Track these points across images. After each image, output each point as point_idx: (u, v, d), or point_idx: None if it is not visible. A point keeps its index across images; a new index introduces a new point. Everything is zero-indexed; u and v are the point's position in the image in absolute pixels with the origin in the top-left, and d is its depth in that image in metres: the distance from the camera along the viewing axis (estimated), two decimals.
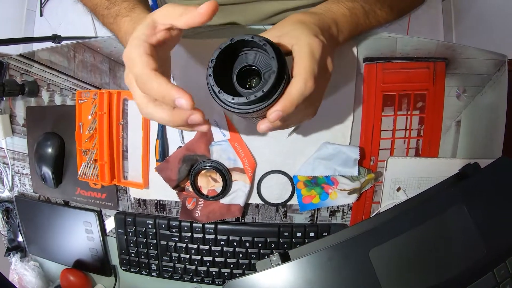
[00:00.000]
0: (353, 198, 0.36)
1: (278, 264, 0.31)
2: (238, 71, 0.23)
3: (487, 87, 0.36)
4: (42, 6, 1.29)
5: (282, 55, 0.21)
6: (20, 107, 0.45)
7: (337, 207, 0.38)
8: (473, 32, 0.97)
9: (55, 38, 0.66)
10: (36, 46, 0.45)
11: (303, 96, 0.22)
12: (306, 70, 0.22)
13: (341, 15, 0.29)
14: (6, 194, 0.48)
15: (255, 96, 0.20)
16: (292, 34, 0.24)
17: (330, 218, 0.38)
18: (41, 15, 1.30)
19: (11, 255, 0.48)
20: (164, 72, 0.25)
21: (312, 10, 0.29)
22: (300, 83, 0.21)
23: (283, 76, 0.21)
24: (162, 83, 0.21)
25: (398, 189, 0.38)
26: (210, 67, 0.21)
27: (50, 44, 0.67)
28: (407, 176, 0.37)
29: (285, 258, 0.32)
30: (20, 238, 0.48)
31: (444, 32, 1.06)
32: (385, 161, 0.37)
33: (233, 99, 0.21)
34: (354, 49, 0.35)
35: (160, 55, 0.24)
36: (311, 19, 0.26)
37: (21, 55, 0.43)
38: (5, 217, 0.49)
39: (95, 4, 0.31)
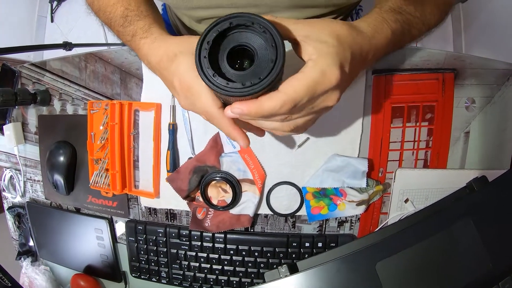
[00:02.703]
0: (361, 209, 0.37)
1: (286, 276, 0.31)
2: (229, 50, 0.21)
3: (496, 97, 0.36)
4: (53, 12, 1.30)
5: (283, 46, 0.19)
6: (32, 115, 0.45)
7: (345, 218, 0.38)
8: (482, 38, 0.96)
9: (66, 45, 0.67)
10: (47, 53, 0.46)
11: (271, 115, 0.21)
12: (293, 94, 0.20)
13: (385, 39, 0.25)
14: (18, 199, 0.49)
15: (251, 82, 0.19)
16: (317, 46, 0.21)
17: (338, 229, 0.38)
18: (52, 21, 1.31)
19: (22, 259, 0.49)
20: None
21: (361, 26, 0.24)
22: (276, 101, 0.20)
23: (280, 68, 0.19)
24: (226, 123, 0.24)
25: (406, 201, 0.38)
26: (206, 49, 0.20)
27: (61, 51, 0.67)
28: (415, 187, 0.37)
29: (293, 270, 0.32)
30: (31, 243, 0.49)
31: (453, 39, 1.05)
32: (394, 173, 0.37)
33: (227, 83, 0.19)
34: None
35: None
36: (351, 39, 0.22)
37: (33, 64, 0.44)
38: (16, 222, 0.50)
39: (110, 18, 0.31)
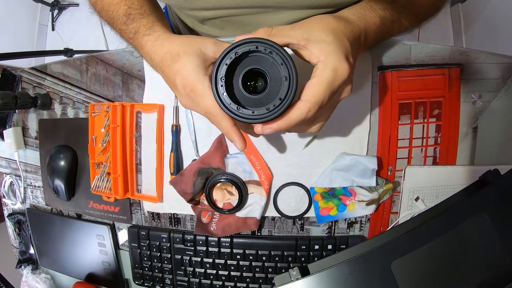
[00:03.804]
0: (371, 209, 0.36)
1: (297, 279, 0.30)
2: (242, 75, 0.22)
3: (502, 91, 0.36)
4: (54, 20, 1.32)
5: (292, 61, 0.21)
6: (32, 119, 0.45)
7: (355, 218, 0.37)
8: (482, 37, 0.96)
9: (67, 52, 0.67)
10: (48, 60, 0.45)
11: (302, 122, 0.22)
12: (315, 99, 0.22)
13: (373, 24, 0.27)
14: (18, 206, 0.48)
15: (274, 105, 0.21)
16: (322, 47, 0.22)
17: (348, 230, 0.37)
18: (53, 29, 1.33)
19: (23, 267, 0.48)
20: None
21: (345, 15, 0.26)
22: (302, 110, 0.22)
23: (295, 82, 0.21)
24: (227, 124, 0.24)
25: (417, 199, 0.37)
26: (222, 86, 0.21)
27: (62, 57, 0.68)
28: (425, 185, 0.36)
29: (304, 272, 0.31)
30: (31, 250, 0.48)
31: (454, 38, 1.06)
32: (403, 171, 0.36)
33: (253, 112, 0.21)
34: (369, 58, 0.35)
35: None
36: (343, 29, 0.24)
37: (33, 68, 0.43)
38: (16, 229, 0.49)
39: (112, 17, 0.31)
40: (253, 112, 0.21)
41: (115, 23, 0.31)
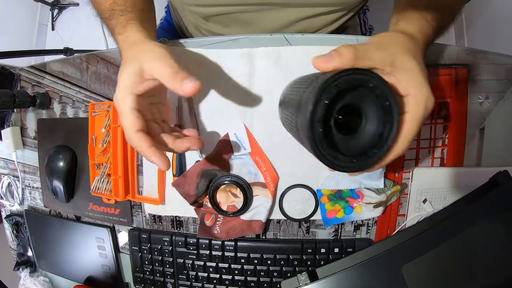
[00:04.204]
0: (378, 211, 0.35)
1: (306, 284, 0.29)
2: (335, 115, 0.18)
3: (509, 92, 0.35)
4: (53, 20, 1.30)
5: (397, 102, 0.18)
6: (31, 119, 0.44)
7: (362, 221, 0.36)
8: (484, 38, 0.96)
9: (67, 51, 0.66)
10: (47, 59, 0.44)
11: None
12: (410, 137, 0.21)
13: (428, 37, 0.26)
14: (16, 207, 0.47)
15: (375, 151, 0.18)
16: (409, 78, 0.21)
17: (354, 233, 0.36)
18: (53, 29, 1.32)
19: (21, 269, 0.47)
20: (159, 98, 0.28)
21: (410, 32, 0.24)
22: (399, 151, 0.21)
23: (397, 127, 0.18)
24: (144, 146, 0.24)
25: (424, 201, 0.36)
26: (320, 130, 0.16)
27: (61, 56, 0.66)
28: (433, 187, 0.36)
29: (313, 277, 0.30)
30: (29, 253, 0.47)
31: (456, 39, 1.06)
32: (410, 172, 0.35)
33: (352, 160, 0.18)
34: None
35: (152, 91, 0.26)
36: (418, 51, 0.23)
37: (32, 67, 0.42)
38: (14, 231, 0.48)
39: (100, 10, 0.31)
40: (352, 161, 0.18)
41: (102, 16, 0.31)
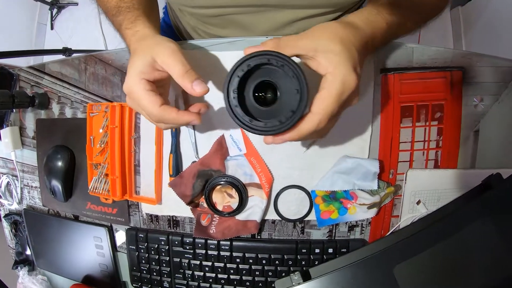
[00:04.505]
0: (372, 212, 0.35)
1: (299, 283, 0.29)
2: (254, 87, 0.22)
3: (503, 95, 0.35)
4: (52, 19, 1.31)
5: (303, 74, 0.21)
6: (30, 119, 0.44)
7: (356, 222, 0.37)
8: (482, 40, 0.97)
9: (66, 51, 0.66)
10: (46, 59, 0.45)
11: (312, 133, 0.23)
12: (325, 111, 0.22)
13: (379, 29, 0.27)
14: (14, 206, 0.48)
15: (286, 117, 0.21)
16: (330, 58, 0.22)
17: (348, 234, 0.37)
18: (52, 28, 1.32)
19: (19, 268, 0.47)
20: (163, 90, 0.29)
21: (352, 20, 0.26)
22: (313, 123, 0.22)
23: (306, 94, 0.21)
24: (173, 115, 0.25)
25: (418, 202, 0.36)
26: (234, 98, 0.21)
27: (60, 56, 0.67)
28: (426, 188, 0.36)
29: (306, 277, 0.30)
30: (28, 252, 0.47)
31: (453, 41, 1.06)
32: (404, 174, 0.36)
33: (266, 124, 0.21)
34: (371, 60, 0.34)
35: (160, 82, 0.27)
36: (351, 37, 0.24)
37: (31, 67, 0.43)
38: (13, 230, 0.49)
39: (106, 8, 0.32)
40: (265, 124, 0.21)
41: (107, 13, 0.32)
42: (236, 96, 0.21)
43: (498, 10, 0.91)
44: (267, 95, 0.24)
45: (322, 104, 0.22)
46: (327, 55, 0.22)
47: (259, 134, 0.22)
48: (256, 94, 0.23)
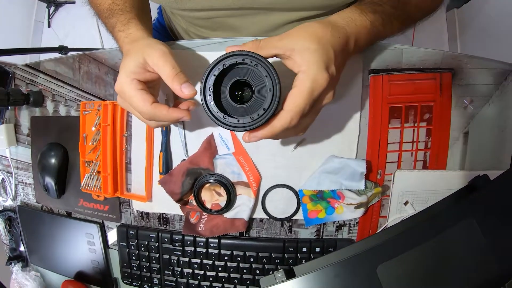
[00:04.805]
0: (359, 212, 0.35)
1: (283, 281, 0.30)
2: (229, 86, 0.23)
3: (494, 97, 0.36)
4: (50, 17, 1.31)
5: (275, 73, 0.22)
6: (24, 116, 0.45)
7: (344, 221, 0.37)
8: (477, 42, 0.97)
9: (62, 49, 0.67)
10: (43, 57, 0.45)
11: (286, 129, 0.23)
12: (297, 108, 0.23)
13: (363, 28, 0.27)
14: (9, 203, 0.48)
15: (258, 114, 0.22)
16: (304, 56, 0.23)
17: (336, 233, 0.37)
18: (49, 26, 1.33)
19: (13, 264, 0.48)
20: (153, 91, 0.30)
21: (333, 20, 0.26)
22: (285, 120, 0.23)
23: (278, 93, 0.22)
24: (164, 112, 0.26)
25: (406, 203, 0.37)
26: (210, 95, 0.22)
27: (56, 55, 0.68)
28: (414, 189, 0.36)
29: (290, 275, 0.31)
30: (22, 248, 0.48)
31: (449, 43, 1.06)
32: (392, 174, 0.36)
33: (238, 121, 0.22)
34: (360, 61, 0.35)
35: (151, 83, 0.28)
36: (330, 36, 0.24)
37: (27, 65, 0.43)
38: (7, 226, 0.49)
39: (99, 10, 0.33)
40: (238, 121, 0.22)
41: (100, 15, 0.33)
42: (212, 94, 0.22)
43: (492, 13, 0.91)
44: (244, 94, 0.24)
45: (293, 101, 0.22)
46: (303, 54, 0.23)
47: (232, 130, 0.23)
48: (235, 93, 0.24)
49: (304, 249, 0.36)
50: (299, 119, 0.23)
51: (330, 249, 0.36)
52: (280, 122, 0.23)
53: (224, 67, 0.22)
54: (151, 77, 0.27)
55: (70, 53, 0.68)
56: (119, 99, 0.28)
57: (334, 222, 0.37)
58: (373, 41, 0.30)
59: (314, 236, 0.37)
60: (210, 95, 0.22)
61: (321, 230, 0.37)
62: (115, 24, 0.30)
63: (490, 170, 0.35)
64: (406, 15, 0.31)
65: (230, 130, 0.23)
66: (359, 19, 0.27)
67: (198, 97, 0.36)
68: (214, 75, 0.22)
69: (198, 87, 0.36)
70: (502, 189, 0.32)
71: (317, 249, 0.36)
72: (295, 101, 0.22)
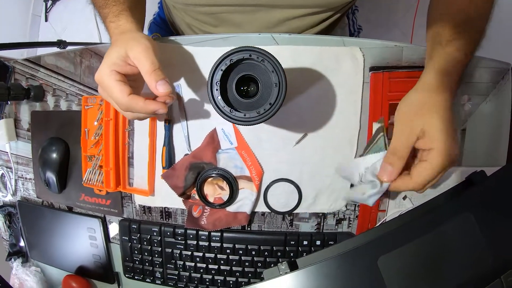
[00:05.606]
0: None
1: (286, 273, 0.30)
2: (236, 81, 0.24)
3: (491, 95, 0.36)
4: (47, 11, 1.29)
5: (282, 69, 0.23)
6: (25, 111, 0.45)
7: (344, 215, 0.38)
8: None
9: (60, 44, 0.66)
10: (40, 51, 0.45)
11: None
12: (422, 179, 0.27)
13: (453, 67, 0.29)
14: (9, 198, 0.48)
15: (264, 109, 0.22)
16: (431, 135, 0.26)
17: (336, 227, 0.38)
18: (46, 20, 1.31)
19: (13, 260, 0.48)
20: (137, 84, 0.30)
21: (432, 82, 0.28)
22: (409, 187, 0.28)
23: (284, 88, 0.23)
24: (140, 104, 0.26)
25: (404, 198, 0.38)
26: (217, 90, 0.23)
27: (55, 49, 0.67)
28: None
29: (293, 267, 0.31)
30: (22, 243, 0.48)
31: None
32: None
33: (245, 115, 0.22)
34: (361, 58, 0.35)
35: (132, 76, 0.28)
36: (441, 103, 0.27)
37: (27, 60, 0.43)
38: (7, 222, 0.49)
39: (95, 0, 0.33)
40: (244, 115, 0.23)
41: (95, 4, 0.33)
42: (219, 88, 0.23)
43: (495, 12, 0.92)
44: (250, 88, 0.25)
45: (421, 175, 0.27)
46: (431, 134, 0.27)
47: (239, 124, 0.23)
48: (242, 88, 0.24)
49: (305, 242, 0.36)
50: (418, 190, 0.28)
51: (331, 242, 0.36)
52: (403, 186, 0.28)
53: (231, 62, 0.23)
54: (131, 70, 0.27)
55: (69, 47, 0.67)
56: (99, 88, 0.29)
57: (334, 216, 0.38)
58: (469, 60, 0.31)
59: (315, 230, 0.38)
60: (217, 89, 0.23)
61: (322, 224, 0.38)
62: (107, 15, 0.31)
63: (486, 166, 0.36)
64: (476, 31, 0.32)
65: (237, 124, 0.23)
66: (452, 66, 0.29)
67: (202, 93, 0.36)
68: (221, 70, 0.23)
69: (199, 82, 0.36)
70: (499, 185, 0.33)
71: (318, 242, 0.36)
72: (424, 175, 0.27)
